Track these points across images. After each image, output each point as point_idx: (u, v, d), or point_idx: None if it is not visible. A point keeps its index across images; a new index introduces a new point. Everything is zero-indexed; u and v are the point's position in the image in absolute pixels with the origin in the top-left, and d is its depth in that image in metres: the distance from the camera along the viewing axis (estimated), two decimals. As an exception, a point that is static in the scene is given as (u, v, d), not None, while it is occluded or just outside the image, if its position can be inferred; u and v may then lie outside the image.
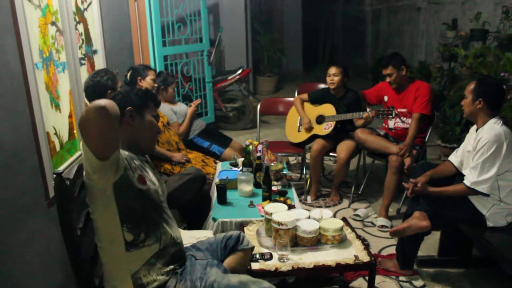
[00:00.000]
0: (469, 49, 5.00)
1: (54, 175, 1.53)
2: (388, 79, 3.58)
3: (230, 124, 6.22)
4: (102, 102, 1.46)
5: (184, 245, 2.03)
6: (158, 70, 4.32)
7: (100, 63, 3.32)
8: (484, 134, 2.42)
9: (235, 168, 3.26)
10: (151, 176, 1.83)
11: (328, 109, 3.83)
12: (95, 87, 2.64)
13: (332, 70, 3.78)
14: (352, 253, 2.20)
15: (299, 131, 4.00)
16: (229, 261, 1.96)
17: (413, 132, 3.47)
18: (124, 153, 1.71)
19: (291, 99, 4.23)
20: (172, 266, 1.77)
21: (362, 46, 10.04)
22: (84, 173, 1.62)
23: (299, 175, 4.44)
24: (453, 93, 4.74)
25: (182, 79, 5.31)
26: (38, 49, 2.23)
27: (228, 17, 7.01)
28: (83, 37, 2.99)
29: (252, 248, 2.09)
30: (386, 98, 3.77)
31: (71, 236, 1.57)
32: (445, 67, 5.49)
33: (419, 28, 7.16)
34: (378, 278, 2.72)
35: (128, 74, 3.36)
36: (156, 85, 3.38)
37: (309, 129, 3.88)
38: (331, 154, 3.92)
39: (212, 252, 1.97)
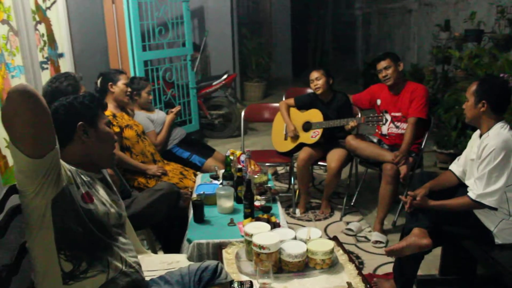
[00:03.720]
0: (463, 51, 4.78)
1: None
2: (384, 73, 3.28)
3: (216, 132, 5.95)
4: (24, 84, 1.24)
5: (153, 273, 1.75)
6: (138, 76, 4.04)
7: (67, 67, 3.05)
8: (490, 140, 2.15)
9: (216, 181, 2.97)
10: (101, 195, 1.54)
11: (315, 115, 3.56)
12: (54, 94, 2.35)
13: (314, 74, 3.55)
14: (344, 279, 1.91)
15: (285, 139, 3.73)
16: None
17: (409, 137, 3.21)
18: (68, 166, 1.44)
19: (278, 104, 3.95)
20: None
21: (353, 51, 9.84)
22: (17, 187, 1.33)
23: (287, 186, 4.16)
24: (448, 96, 4.50)
25: (164, 86, 5.02)
26: (-17, 50, 1.96)
27: (213, 21, 6.76)
28: (45, 38, 2.72)
29: (232, 282, 1.81)
30: (379, 101, 3.51)
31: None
32: (438, 70, 5.26)
33: (410, 31, 6.95)
34: (374, 303, 2.46)
35: (98, 81, 3.07)
36: (129, 89, 3.08)
37: (295, 137, 3.62)
38: (320, 163, 3.65)
39: (183, 286, 1.67)
